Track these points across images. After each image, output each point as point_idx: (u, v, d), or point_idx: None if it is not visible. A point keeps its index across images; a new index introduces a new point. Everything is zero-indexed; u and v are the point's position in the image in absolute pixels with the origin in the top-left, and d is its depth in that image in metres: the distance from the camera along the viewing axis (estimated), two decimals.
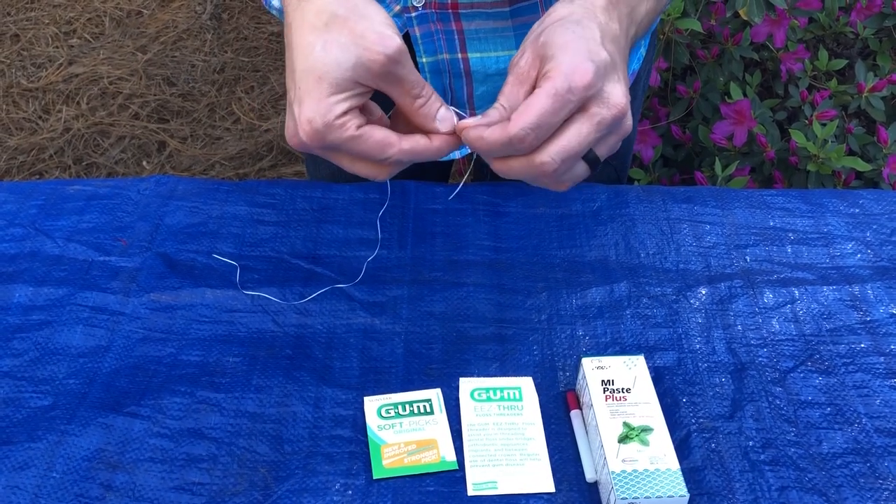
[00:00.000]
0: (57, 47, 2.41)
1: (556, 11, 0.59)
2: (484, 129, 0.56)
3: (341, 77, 0.54)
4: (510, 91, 0.57)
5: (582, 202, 0.86)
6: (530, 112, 0.54)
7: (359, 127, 0.55)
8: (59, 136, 2.15)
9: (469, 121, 0.57)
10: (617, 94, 0.56)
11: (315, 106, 0.54)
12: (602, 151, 0.58)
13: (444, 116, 0.57)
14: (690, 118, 1.54)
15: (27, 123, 2.19)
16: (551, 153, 0.55)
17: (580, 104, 0.55)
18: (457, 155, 0.89)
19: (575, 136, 0.55)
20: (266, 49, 2.44)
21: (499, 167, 0.57)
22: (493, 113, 0.57)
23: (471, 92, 0.83)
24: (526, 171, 0.56)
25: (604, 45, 0.56)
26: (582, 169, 0.58)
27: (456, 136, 0.58)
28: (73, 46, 2.41)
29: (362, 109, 0.57)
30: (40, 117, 2.21)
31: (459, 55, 0.80)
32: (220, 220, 0.83)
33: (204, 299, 0.75)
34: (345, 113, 0.55)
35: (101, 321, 0.73)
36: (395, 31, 0.55)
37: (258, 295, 0.75)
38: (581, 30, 0.56)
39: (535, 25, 0.59)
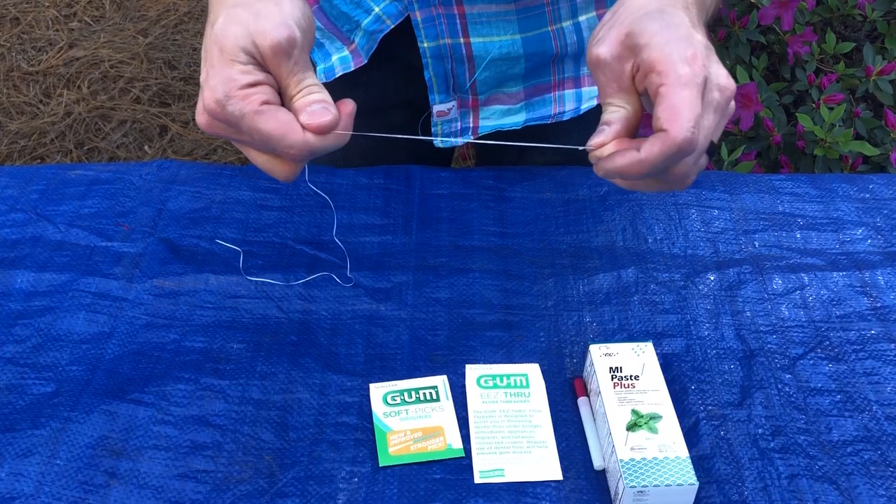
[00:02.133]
0: (57, 30, 2.39)
1: (631, 3, 0.55)
2: (634, 153, 0.51)
3: (240, 48, 0.53)
4: (614, 88, 0.53)
5: (589, 187, 0.85)
6: (681, 108, 0.49)
7: (264, 103, 0.53)
8: (61, 121, 2.14)
9: (604, 146, 0.53)
10: (724, 75, 0.53)
11: (218, 75, 0.53)
12: (716, 137, 0.54)
13: (312, 111, 0.54)
14: None
15: (28, 107, 2.18)
16: (685, 127, 0.50)
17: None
18: (459, 141, 0.88)
19: (705, 126, 0.52)
20: None
21: (631, 186, 0.55)
22: (616, 118, 0.53)
23: (473, 77, 0.82)
24: (665, 155, 0.51)
25: (696, 30, 0.54)
26: (704, 160, 0.55)
27: (322, 135, 0.54)
28: (73, 30, 2.40)
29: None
30: (41, 101, 2.20)
31: (461, 40, 0.79)
32: (224, 205, 0.82)
33: (207, 285, 0.74)
34: (249, 85, 0.53)
35: (103, 307, 0.72)
36: (299, 26, 0.54)
37: (262, 280, 0.75)
38: (669, 17, 0.53)
39: (607, 17, 0.56)
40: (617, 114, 0.54)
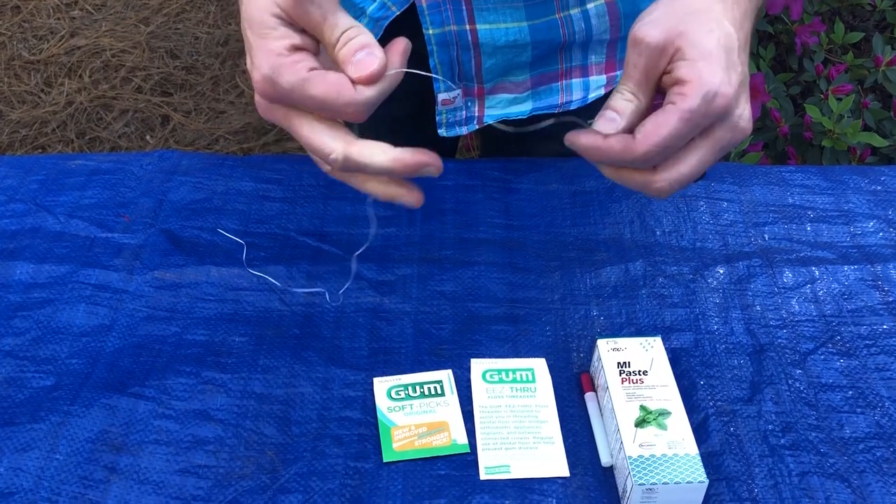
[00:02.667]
0: (58, 19, 2.38)
1: None
2: (600, 138, 0.52)
3: (268, 14, 0.50)
4: (639, 77, 0.52)
5: (596, 178, 0.84)
6: (660, 133, 0.50)
7: (311, 69, 0.50)
8: (62, 110, 2.13)
9: (601, 122, 0.52)
10: (746, 117, 0.52)
11: (258, 52, 0.50)
12: (705, 169, 0.54)
13: (358, 61, 0.50)
14: None
15: (29, 96, 2.17)
16: (669, 179, 0.52)
17: (709, 126, 0.51)
18: (463, 130, 0.87)
19: (696, 162, 0.52)
20: None
21: (610, 174, 0.54)
22: (628, 111, 0.52)
23: (479, 65, 0.80)
24: (638, 185, 0.53)
25: (740, 57, 0.52)
26: (691, 184, 0.55)
27: (374, 83, 0.51)
28: (74, 18, 2.38)
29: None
30: (42, 90, 2.18)
31: (467, 26, 0.77)
32: (225, 196, 0.81)
33: (209, 277, 0.73)
34: (290, 49, 0.50)
35: (103, 299, 0.71)
36: None
37: (265, 270, 0.73)
38: (721, 33, 0.52)
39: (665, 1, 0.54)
40: (630, 106, 0.53)
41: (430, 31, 0.78)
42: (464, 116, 0.85)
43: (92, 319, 0.70)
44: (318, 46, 0.53)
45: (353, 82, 0.50)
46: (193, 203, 0.80)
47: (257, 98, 0.53)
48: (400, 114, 0.89)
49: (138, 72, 2.23)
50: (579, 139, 0.53)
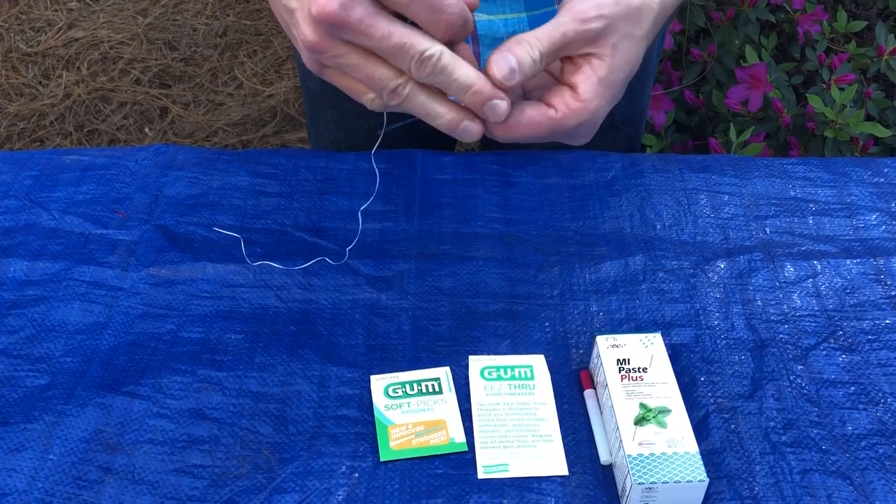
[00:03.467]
0: (56, 11, 2.37)
1: None
2: (486, 106, 0.52)
3: None
4: (555, 46, 0.52)
5: (595, 172, 0.83)
6: (522, 132, 0.53)
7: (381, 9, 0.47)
8: (60, 102, 2.12)
9: (500, 62, 0.51)
10: (588, 136, 0.56)
11: None
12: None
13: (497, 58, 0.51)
14: (704, 82, 1.50)
15: (27, 89, 2.16)
16: (509, 136, 0.55)
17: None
18: None
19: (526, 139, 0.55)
20: (269, 12, 2.39)
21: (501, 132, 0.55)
22: (528, 61, 0.52)
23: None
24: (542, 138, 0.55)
25: (624, 84, 0.55)
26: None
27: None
28: (72, 10, 2.37)
29: None
30: (40, 83, 2.17)
31: None
32: (221, 191, 0.80)
33: (205, 274, 0.73)
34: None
35: (98, 297, 0.71)
36: None
37: (262, 266, 0.73)
38: (635, 54, 0.54)
39: None
40: (530, 67, 0.52)
41: None
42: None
43: (86, 317, 0.69)
44: None
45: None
46: (189, 198, 0.79)
47: (310, 27, 0.48)
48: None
49: (136, 64, 2.21)
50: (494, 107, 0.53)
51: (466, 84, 0.51)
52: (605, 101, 0.54)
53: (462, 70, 0.50)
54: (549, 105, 0.54)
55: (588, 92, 0.53)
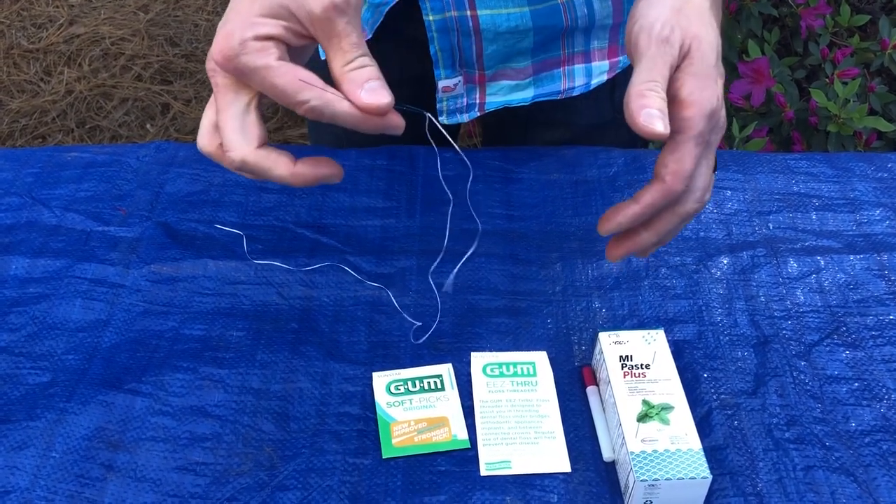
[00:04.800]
0: (57, 7, 2.36)
1: None
2: (637, 207, 0.54)
3: (276, 2, 0.50)
4: (666, 74, 0.53)
5: (598, 168, 0.82)
6: (686, 167, 0.52)
7: (279, 58, 0.50)
8: (62, 99, 2.11)
9: (648, 118, 0.51)
10: (724, 114, 0.55)
11: (238, 21, 0.50)
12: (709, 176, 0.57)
13: (373, 87, 0.50)
14: None
15: (29, 86, 2.16)
16: (695, 199, 0.54)
17: None
18: (465, 118, 0.85)
19: (706, 171, 0.55)
20: None
21: (642, 241, 0.57)
22: (661, 104, 0.52)
23: (480, 51, 0.79)
24: (672, 224, 0.55)
25: (720, 63, 0.55)
26: (712, 180, 0.57)
27: (381, 116, 0.51)
28: (73, 6, 2.37)
29: (291, 54, 0.52)
30: (42, 79, 2.17)
31: (468, 12, 0.76)
32: (223, 187, 0.80)
33: (206, 271, 0.73)
34: (268, 38, 0.50)
35: (100, 294, 0.71)
36: None
37: (264, 264, 0.73)
38: (714, 37, 0.54)
39: None
40: (665, 105, 0.52)
41: (431, 17, 0.76)
42: (465, 104, 0.84)
43: (88, 314, 0.69)
44: (297, 47, 0.52)
45: (353, 103, 0.50)
46: (190, 195, 0.79)
47: (211, 58, 0.51)
48: (400, 100, 0.87)
49: (138, 60, 2.21)
50: (617, 220, 0.55)
51: (285, 180, 0.52)
52: (712, 88, 0.53)
53: (277, 169, 0.52)
54: (674, 133, 0.53)
55: (693, 94, 0.53)
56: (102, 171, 0.81)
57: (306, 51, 0.55)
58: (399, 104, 0.57)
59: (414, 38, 0.81)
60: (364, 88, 0.50)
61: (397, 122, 0.52)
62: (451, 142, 0.65)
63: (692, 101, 0.52)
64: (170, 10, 2.36)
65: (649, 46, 0.54)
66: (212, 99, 0.53)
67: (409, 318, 0.69)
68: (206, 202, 0.78)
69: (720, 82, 0.54)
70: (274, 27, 0.50)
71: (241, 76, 0.51)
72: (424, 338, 0.68)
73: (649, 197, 0.53)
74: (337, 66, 0.51)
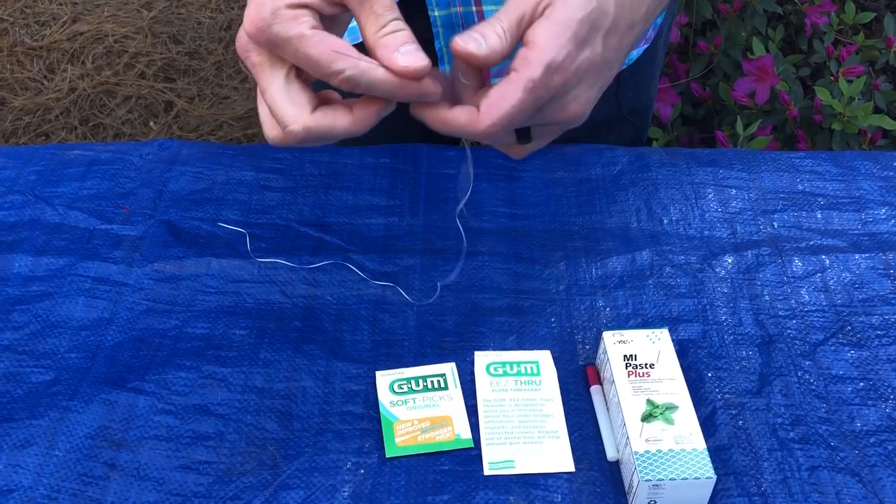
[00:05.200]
0: (60, 4, 2.36)
1: None
2: (444, 109, 0.51)
3: None
4: (513, 17, 0.50)
5: (602, 166, 0.82)
6: (503, 106, 0.49)
7: (312, 27, 0.48)
8: (65, 97, 2.11)
9: (463, 36, 0.50)
10: (581, 101, 0.51)
11: None
12: (540, 135, 0.54)
13: (409, 50, 0.48)
14: (711, 75, 1.49)
15: (32, 83, 2.16)
16: (492, 122, 0.50)
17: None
18: None
19: (516, 121, 0.51)
20: None
21: (421, 113, 0.52)
22: (491, 35, 0.50)
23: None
24: (458, 129, 0.51)
25: (607, 41, 0.51)
26: (510, 139, 0.54)
27: (418, 81, 0.49)
28: (76, 3, 2.37)
29: (325, 24, 0.50)
30: (45, 77, 2.17)
31: (474, 8, 0.76)
32: (226, 185, 0.80)
33: (209, 269, 0.72)
34: (300, 5, 0.48)
35: (103, 292, 0.71)
36: None
37: (268, 263, 0.72)
38: (597, 7, 0.50)
39: None
40: (496, 41, 0.50)
41: (436, 13, 0.76)
42: None
43: (91, 313, 0.69)
44: (331, 16, 0.51)
45: (389, 70, 0.48)
46: (194, 193, 0.79)
47: (242, 33, 0.50)
48: None
49: (141, 57, 2.21)
50: (424, 111, 0.51)
51: (350, 130, 0.51)
52: (564, 41, 0.49)
53: (338, 122, 0.50)
54: (509, 71, 0.50)
55: (541, 35, 0.49)
56: (106, 169, 0.81)
57: (340, 22, 0.53)
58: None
59: (419, 34, 0.81)
60: (400, 52, 0.48)
61: (434, 89, 0.50)
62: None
63: (536, 42, 0.49)
64: (173, 7, 2.36)
65: None
66: (258, 90, 0.52)
67: (415, 302, 0.69)
68: (209, 200, 0.78)
69: (585, 53, 0.50)
70: None
71: (274, 47, 0.49)
72: (452, 275, 0.67)
73: (458, 112, 0.51)
74: (370, 32, 0.49)
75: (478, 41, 0.50)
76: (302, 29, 0.48)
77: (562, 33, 0.49)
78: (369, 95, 0.50)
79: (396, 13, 0.50)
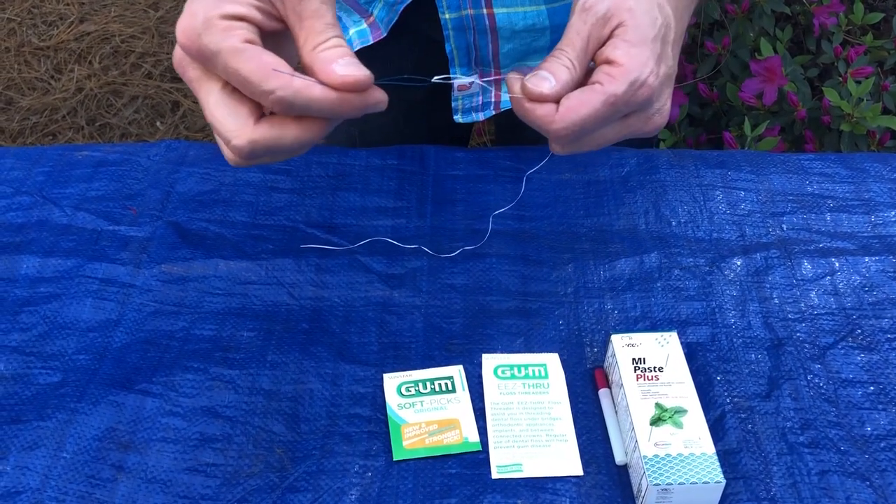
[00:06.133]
0: (67, 5, 2.37)
1: None
2: (530, 103, 0.52)
3: None
4: (580, 45, 0.52)
5: (610, 167, 0.82)
6: (580, 111, 0.50)
7: (247, 41, 0.46)
8: (72, 97, 2.12)
9: (533, 79, 0.52)
10: (664, 112, 0.54)
11: (202, 1, 0.46)
12: (609, 143, 0.56)
13: (348, 62, 0.46)
14: (718, 76, 1.48)
15: (39, 83, 2.16)
16: (567, 130, 0.51)
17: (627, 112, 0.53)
18: (480, 117, 0.85)
19: (599, 138, 0.53)
20: None
21: (524, 110, 0.53)
22: (565, 79, 0.52)
23: (496, 49, 0.78)
24: (535, 124, 0.53)
25: (673, 50, 0.54)
26: (574, 147, 0.55)
27: (361, 93, 0.46)
28: (83, 4, 2.37)
29: (265, 42, 0.48)
30: (52, 77, 2.18)
31: (484, 10, 0.76)
32: (233, 187, 0.80)
33: (217, 271, 0.72)
34: (237, 17, 0.46)
35: (110, 294, 0.71)
36: None
37: (274, 263, 0.72)
38: (663, 21, 0.53)
39: None
40: (566, 73, 0.52)
41: (447, 16, 0.76)
42: (480, 102, 0.83)
43: (99, 314, 0.69)
44: (270, 33, 0.49)
45: (328, 84, 0.46)
46: (201, 195, 0.79)
47: (177, 47, 0.48)
48: (414, 99, 0.87)
49: (148, 58, 2.21)
50: (514, 85, 0.53)
51: (302, 138, 0.48)
52: (644, 59, 0.51)
53: (286, 134, 0.47)
54: (592, 83, 0.52)
55: (623, 55, 0.51)
56: (113, 170, 0.81)
57: (282, 40, 0.50)
58: (399, 77, 0.54)
59: (429, 37, 0.81)
60: (339, 63, 0.46)
61: (379, 97, 0.48)
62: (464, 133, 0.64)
63: (620, 61, 0.51)
64: (180, 7, 2.36)
65: (571, 15, 0.53)
66: (203, 102, 0.49)
67: (425, 249, 0.68)
68: (216, 202, 0.78)
69: (663, 67, 0.53)
70: (242, 5, 0.46)
71: (205, 60, 0.46)
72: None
73: (537, 108, 0.52)
74: (307, 49, 0.47)
75: (548, 80, 0.52)
76: (233, 42, 0.45)
77: (642, 53, 0.51)
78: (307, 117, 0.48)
79: (337, 31, 0.48)
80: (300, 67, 0.49)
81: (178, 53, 0.48)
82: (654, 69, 0.52)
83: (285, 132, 0.47)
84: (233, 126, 0.47)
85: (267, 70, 0.45)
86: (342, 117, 0.48)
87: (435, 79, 0.55)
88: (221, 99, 0.47)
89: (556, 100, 0.52)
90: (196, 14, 0.46)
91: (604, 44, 0.53)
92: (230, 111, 0.47)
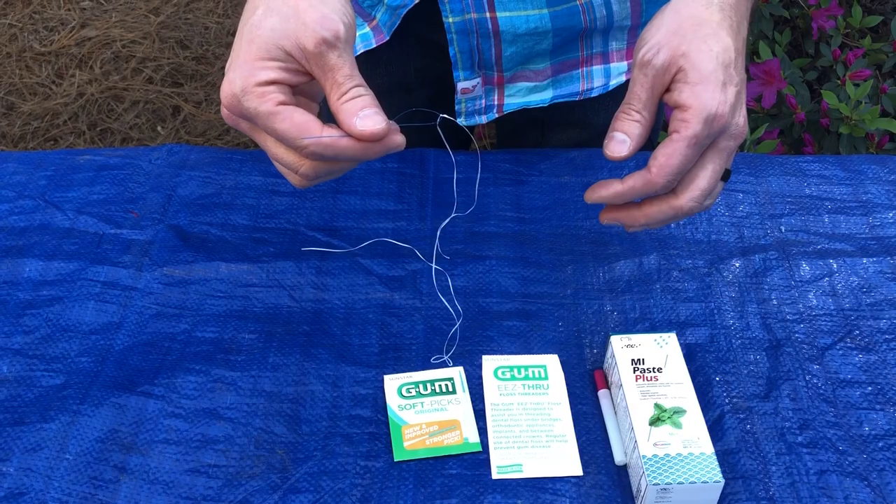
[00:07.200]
0: (69, 10, 2.38)
1: (685, 10, 0.57)
2: (618, 184, 0.57)
3: (272, 44, 0.52)
4: (645, 97, 0.57)
5: (609, 170, 0.82)
6: (672, 163, 0.55)
7: (280, 104, 0.52)
8: (73, 102, 2.12)
9: (611, 145, 0.56)
10: (742, 123, 0.57)
11: (240, 68, 0.52)
12: (728, 165, 0.59)
13: (367, 115, 0.52)
14: None
15: (41, 88, 2.17)
16: (693, 197, 0.57)
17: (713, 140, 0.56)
18: (483, 119, 0.85)
19: (710, 173, 0.57)
20: None
21: (640, 218, 0.59)
22: (636, 133, 0.56)
23: (499, 53, 0.79)
24: (668, 216, 0.58)
25: (737, 66, 0.56)
26: (719, 188, 0.59)
27: (380, 141, 0.53)
28: (84, 9, 2.38)
29: (297, 95, 0.55)
30: (53, 82, 2.18)
31: (487, 14, 0.76)
32: (234, 190, 0.80)
33: (218, 273, 0.73)
34: (269, 83, 0.52)
35: (112, 297, 0.71)
36: (344, 18, 0.53)
37: (275, 266, 0.73)
38: (719, 48, 0.55)
39: (661, 20, 0.58)
40: (637, 127, 0.57)
41: (450, 19, 0.76)
42: (483, 105, 0.84)
43: (101, 317, 0.70)
44: (303, 84, 0.55)
45: (350, 134, 0.52)
46: (202, 198, 0.79)
47: (223, 108, 0.54)
48: (418, 102, 0.87)
49: (149, 62, 2.22)
50: (600, 193, 0.58)
51: (347, 151, 0.53)
52: (710, 94, 0.54)
53: (342, 140, 0.53)
54: (670, 133, 0.55)
55: (689, 97, 0.55)
56: (115, 174, 0.82)
57: (314, 88, 0.56)
58: (409, 110, 0.58)
59: (433, 40, 0.81)
60: (359, 117, 0.52)
61: (398, 142, 0.54)
62: (470, 135, 0.66)
63: (688, 104, 0.55)
64: (180, 13, 2.37)
65: (633, 70, 0.58)
66: (263, 146, 0.55)
67: (429, 263, 0.69)
68: (217, 205, 0.79)
69: (731, 89, 0.55)
70: (273, 71, 0.52)
71: (249, 119, 0.53)
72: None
73: (632, 181, 0.56)
74: (333, 99, 0.53)
75: (624, 142, 0.57)
76: (268, 106, 0.52)
77: (706, 90, 0.55)
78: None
79: (358, 80, 0.53)
80: None
81: (225, 113, 0.55)
82: (721, 99, 0.55)
83: (342, 139, 0.54)
84: (292, 160, 0.54)
85: (299, 129, 0.52)
86: (369, 159, 0.54)
87: (441, 117, 0.61)
88: (276, 142, 0.54)
89: (634, 152, 0.57)
90: (234, 82, 0.52)
91: (669, 88, 0.57)
92: (286, 150, 0.54)
